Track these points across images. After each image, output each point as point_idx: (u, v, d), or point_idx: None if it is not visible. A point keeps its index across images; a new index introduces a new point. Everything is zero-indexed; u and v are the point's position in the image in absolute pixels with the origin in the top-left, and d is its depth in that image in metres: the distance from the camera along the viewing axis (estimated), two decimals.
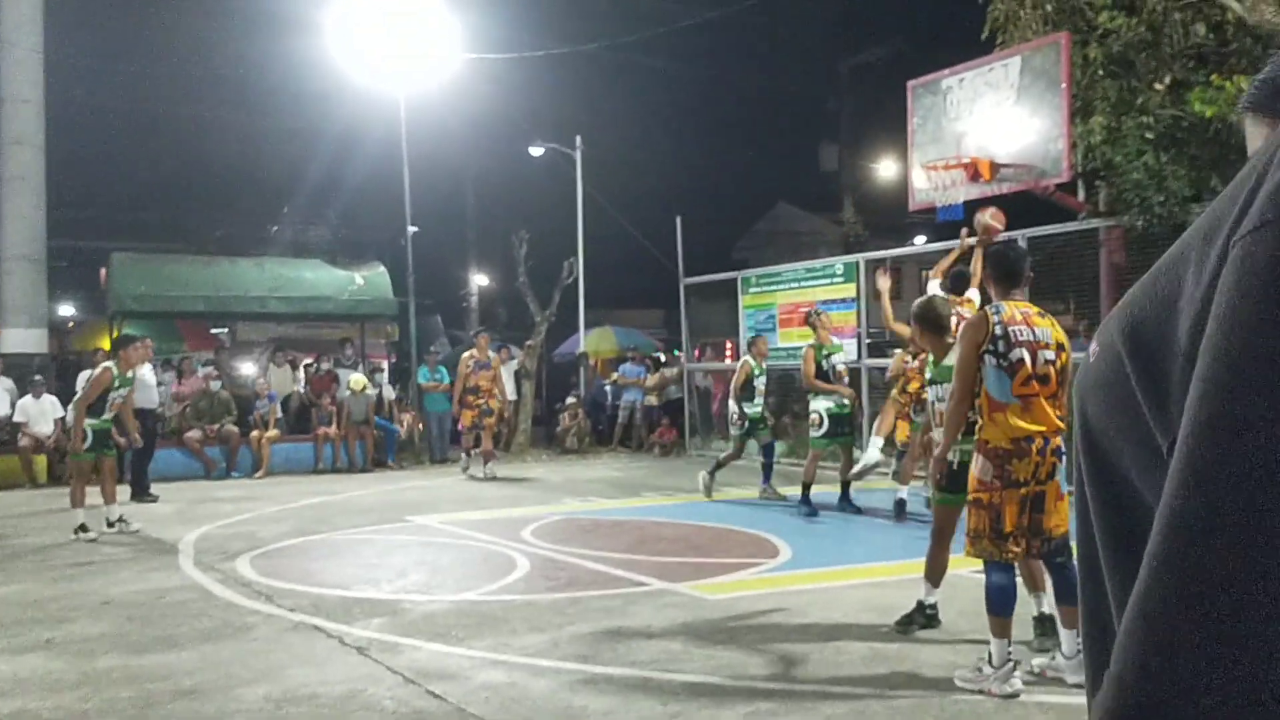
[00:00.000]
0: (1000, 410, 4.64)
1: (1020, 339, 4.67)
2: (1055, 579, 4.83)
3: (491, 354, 13.96)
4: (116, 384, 9.31)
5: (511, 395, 16.83)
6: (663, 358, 20.04)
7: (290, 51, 19.64)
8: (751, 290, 15.54)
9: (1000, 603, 4.63)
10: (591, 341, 21.76)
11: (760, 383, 11.06)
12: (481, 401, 13.40)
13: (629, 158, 25.90)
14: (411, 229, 17.20)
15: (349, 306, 16.80)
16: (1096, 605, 0.66)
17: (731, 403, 11.15)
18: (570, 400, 18.06)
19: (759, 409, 11.07)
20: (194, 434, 14.17)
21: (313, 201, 23.15)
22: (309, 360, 16.69)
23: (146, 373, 12.15)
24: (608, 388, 18.92)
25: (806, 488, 9.79)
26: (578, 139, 20.44)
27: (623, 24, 26.49)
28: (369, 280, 16.94)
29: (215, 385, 14.67)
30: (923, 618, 5.59)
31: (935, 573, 5.55)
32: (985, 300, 6.04)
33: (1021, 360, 4.66)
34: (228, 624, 5.97)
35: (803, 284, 14.68)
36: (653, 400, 17.79)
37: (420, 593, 6.77)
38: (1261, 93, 0.65)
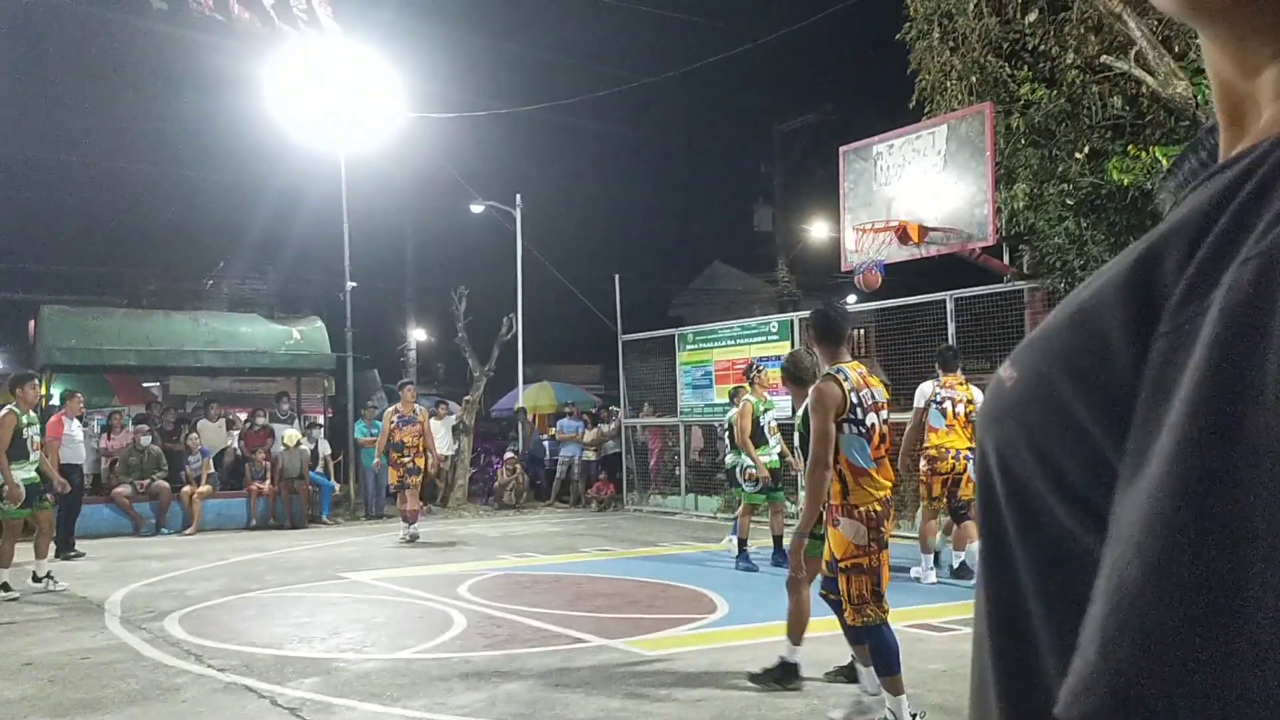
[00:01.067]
0: (865, 475, 4.80)
1: (867, 404, 4.85)
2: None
3: (419, 408, 12.97)
4: (24, 422, 9.17)
5: (449, 450, 16.74)
6: (598, 412, 20.12)
7: (229, 107, 19.63)
8: (688, 347, 15.72)
9: (893, 660, 4.71)
10: (530, 397, 21.77)
11: (769, 420, 10.03)
12: (407, 460, 12.51)
13: (568, 216, 26.17)
14: (350, 284, 17.17)
15: (285, 361, 16.65)
16: (1016, 652, 0.62)
17: (743, 455, 9.74)
18: (508, 455, 18.02)
19: (776, 456, 9.95)
20: (123, 489, 13.88)
21: (251, 256, 23.01)
22: (244, 415, 16.48)
23: (74, 429, 11.96)
24: (545, 443, 18.92)
25: (742, 543, 9.88)
26: (517, 197, 20.63)
27: (563, 86, 26.88)
28: (306, 335, 16.83)
29: (145, 440, 14.41)
30: (781, 674, 5.59)
31: (796, 627, 5.59)
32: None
33: (874, 425, 4.86)
34: (155, 685, 5.86)
35: (738, 341, 14.90)
36: (590, 455, 17.81)
37: (354, 651, 6.70)
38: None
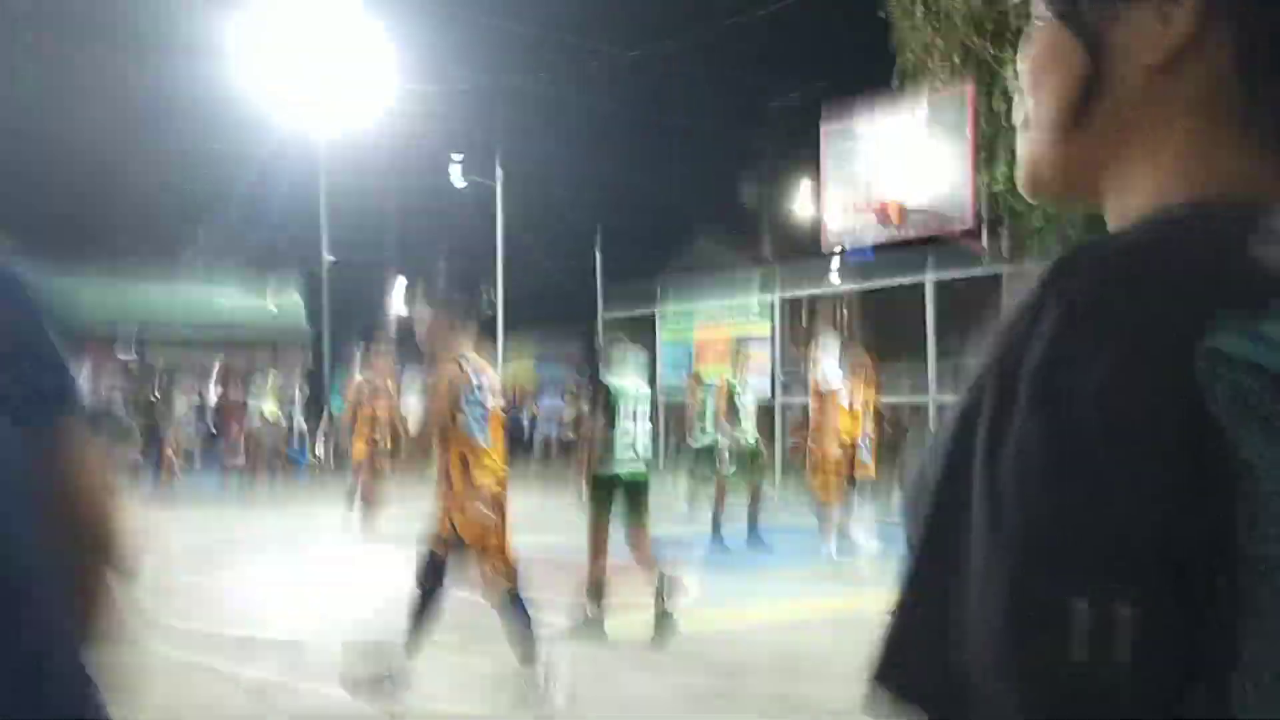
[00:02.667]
0: (487, 454, 4.90)
1: (486, 386, 4.95)
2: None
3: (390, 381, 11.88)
4: None
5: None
6: (580, 389, 20.07)
7: (208, 75, 19.34)
8: (669, 324, 15.68)
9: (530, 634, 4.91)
10: (510, 373, 21.70)
11: (745, 402, 9.82)
12: (379, 438, 11.36)
13: (550, 190, 25.99)
14: (329, 258, 17.04)
15: (262, 333, 16.53)
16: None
17: (720, 435, 9.77)
18: None
19: (753, 438, 9.89)
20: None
21: (229, 228, 22.74)
22: (218, 388, 16.37)
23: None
24: (526, 420, 18.88)
25: (717, 522, 9.85)
26: (498, 170, 20.47)
27: (545, 59, 26.67)
28: (283, 308, 16.73)
29: (118, 410, 14.29)
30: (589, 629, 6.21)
31: (594, 587, 6.26)
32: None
33: (493, 407, 4.98)
34: None
35: (719, 320, 14.87)
36: (571, 433, 17.77)
37: (322, 632, 6.64)
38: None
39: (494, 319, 18.96)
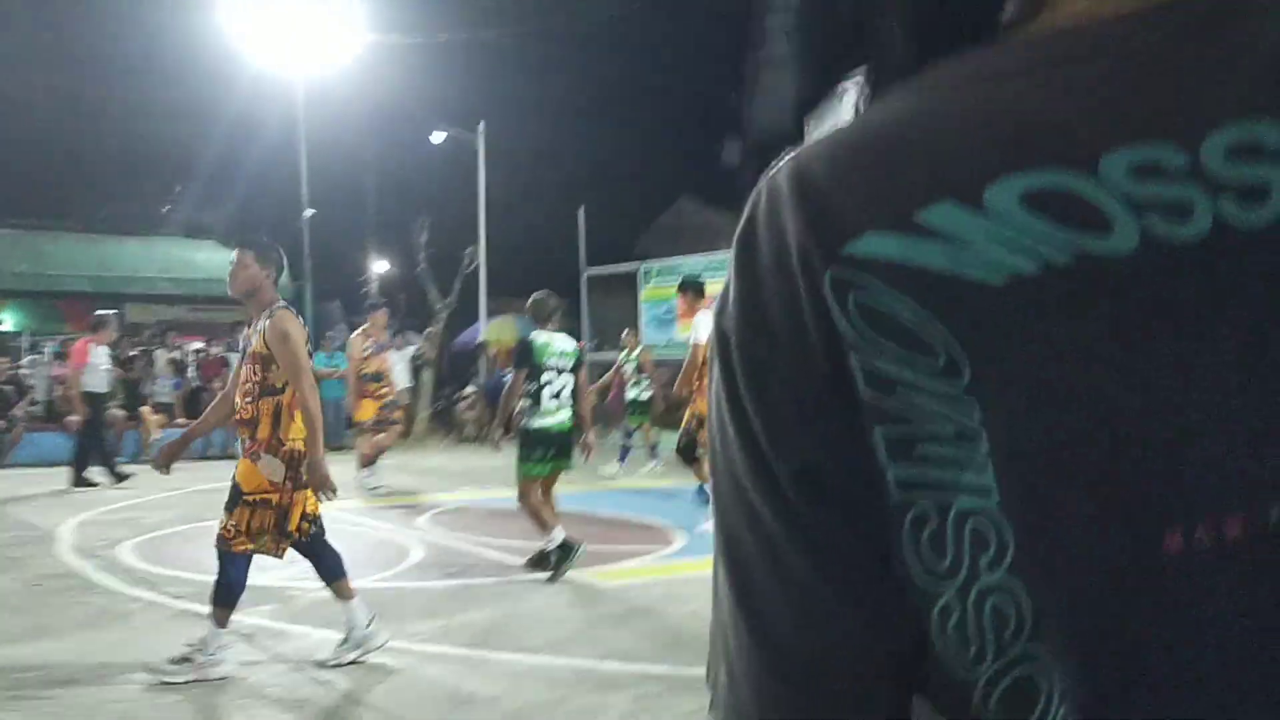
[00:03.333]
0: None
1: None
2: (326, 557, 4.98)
3: (413, 336, 12.28)
4: None
5: (406, 383, 16.65)
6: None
7: (184, 27, 19.03)
8: (652, 282, 15.66)
9: (235, 597, 4.74)
10: (493, 331, 21.65)
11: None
12: (386, 391, 11.22)
13: (532, 147, 25.77)
14: (309, 212, 16.88)
15: None
16: None
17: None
18: (470, 390, 17.96)
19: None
20: (75, 417, 13.67)
21: (206, 182, 22.48)
22: (199, 345, 16.26)
23: (101, 356, 11.82)
24: (506, 379, 18.86)
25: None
26: (480, 125, 20.29)
27: (526, 12, 26.34)
28: None
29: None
30: (558, 555, 6.56)
31: (542, 524, 6.65)
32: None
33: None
34: (107, 612, 5.82)
35: (702, 277, 14.83)
36: None
37: (310, 579, 6.64)
38: None
39: (476, 275, 18.86)
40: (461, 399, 17.99)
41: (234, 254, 4.92)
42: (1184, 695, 0.49)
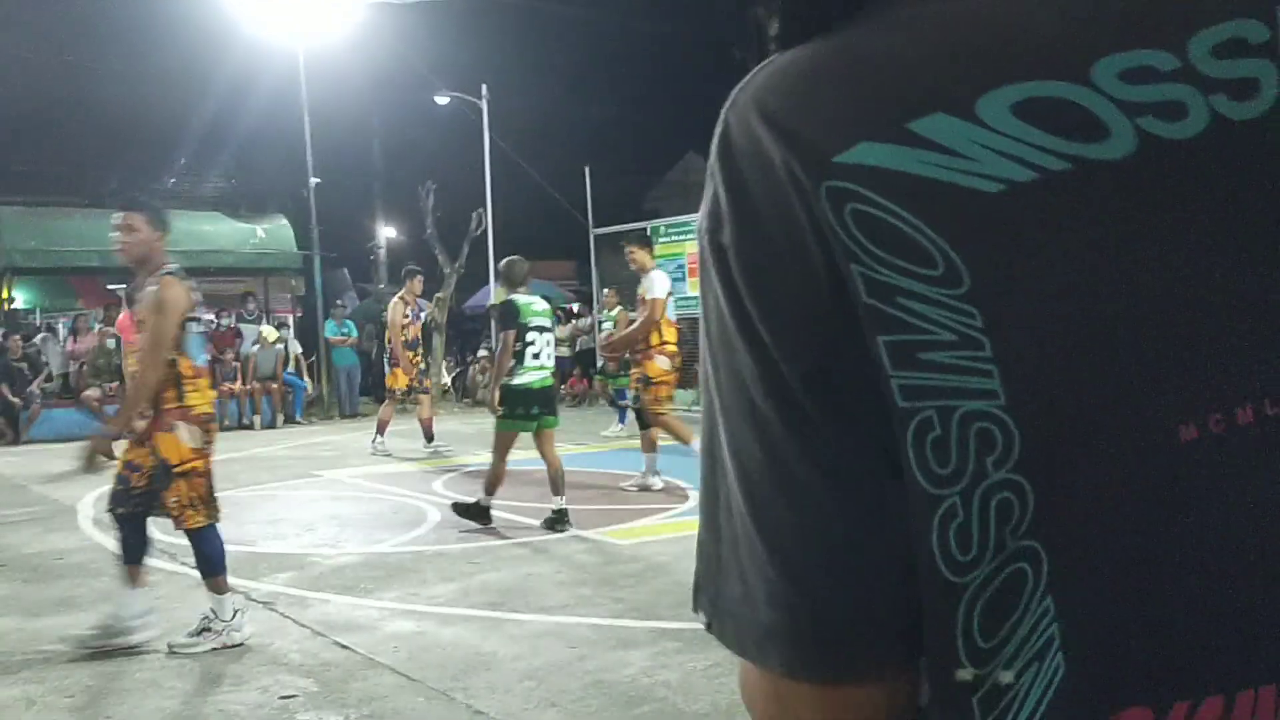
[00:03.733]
0: (201, 376, 4.75)
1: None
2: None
3: (422, 303, 11.78)
4: None
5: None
6: (575, 308, 20.03)
7: None
8: (661, 240, 15.58)
9: (221, 560, 4.74)
10: (501, 294, 21.63)
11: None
12: (420, 360, 11.13)
13: (536, 107, 25.61)
14: (314, 180, 16.82)
15: (250, 260, 16.43)
16: None
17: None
18: (482, 353, 17.98)
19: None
20: (92, 392, 13.77)
21: (210, 152, 22.40)
22: (210, 315, 16.29)
23: None
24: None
25: None
26: (483, 88, 20.13)
27: None
28: (270, 233, 16.59)
29: (111, 342, 14.24)
30: (478, 512, 6.98)
31: (492, 485, 6.98)
32: None
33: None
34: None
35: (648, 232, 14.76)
36: (564, 351, 17.79)
37: (329, 546, 6.74)
38: None
39: (484, 238, 18.82)
40: (474, 361, 18.02)
41: (119, 217, 4.71)
42: (1192, 575, 0.50)
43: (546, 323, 7.22)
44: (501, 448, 7.04)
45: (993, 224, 0.51)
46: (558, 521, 6.95)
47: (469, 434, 13.03)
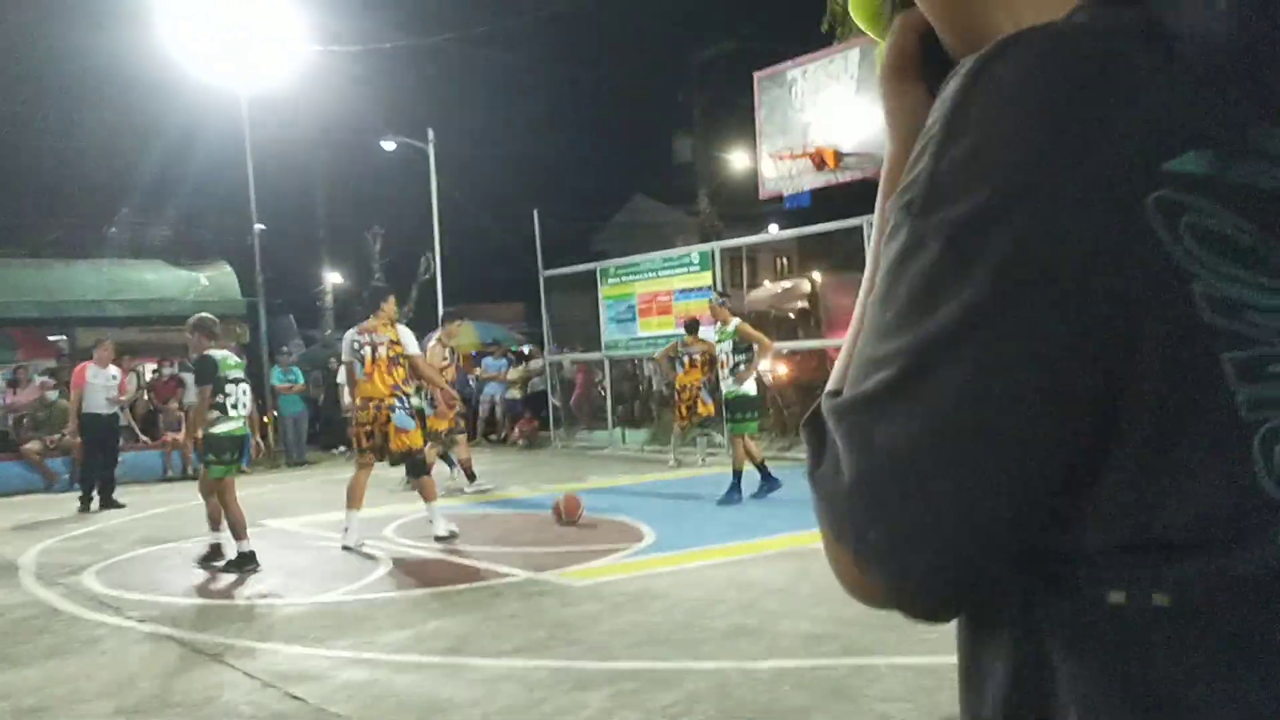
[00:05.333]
0: None
1: None
2: None
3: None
4: None
5: None
6: (527, 350, 19.99)
7: (123, 42, 18.75)
8: (610, 281, 15.64)
9: None
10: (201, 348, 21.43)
11: (723, 349, 10.01)
12: (456, 403, 11.01)
13: (483, 152, 25.70)
14: (258, 227, 16.69)
15: (194, 308, 16.10)
16: None
17: (745, 385, 9.70)
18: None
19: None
20: (33, 445, 13.47)
21: (152, 200, 22.15)
22: (153, 365, 16.05)
23: (101, 377, 11.67)
24: (471, 382, 18.78)
25: (744, 473, 9.45)
26: (429, 133, 20.18)
27: (471, 17, 26.24)
28: (214, 280, 16.40)
29: (53, 395, 13.96)
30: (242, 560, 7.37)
31: (238, 528, 7.47)
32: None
33: None
34: (73, 639, 5.73)
35: (660, 274, 14.86)
36: (515, 393, 17.72)
37: (278, 596, 6.62)
38: None
39: (433, 282, 18.76)
40: None
41: None
42: None
43: (241, 374, 7.83)
44: (222, 492, 7.55)
45: None
46: (214, 556, 7.61)
47: None
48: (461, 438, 11.40)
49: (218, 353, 7.66)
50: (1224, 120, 0.52)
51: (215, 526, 7.67)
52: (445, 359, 11.00)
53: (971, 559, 0.57)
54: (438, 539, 8.12)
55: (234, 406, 7.61)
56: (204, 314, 8.01)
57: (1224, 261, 0.52)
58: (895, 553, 0.57)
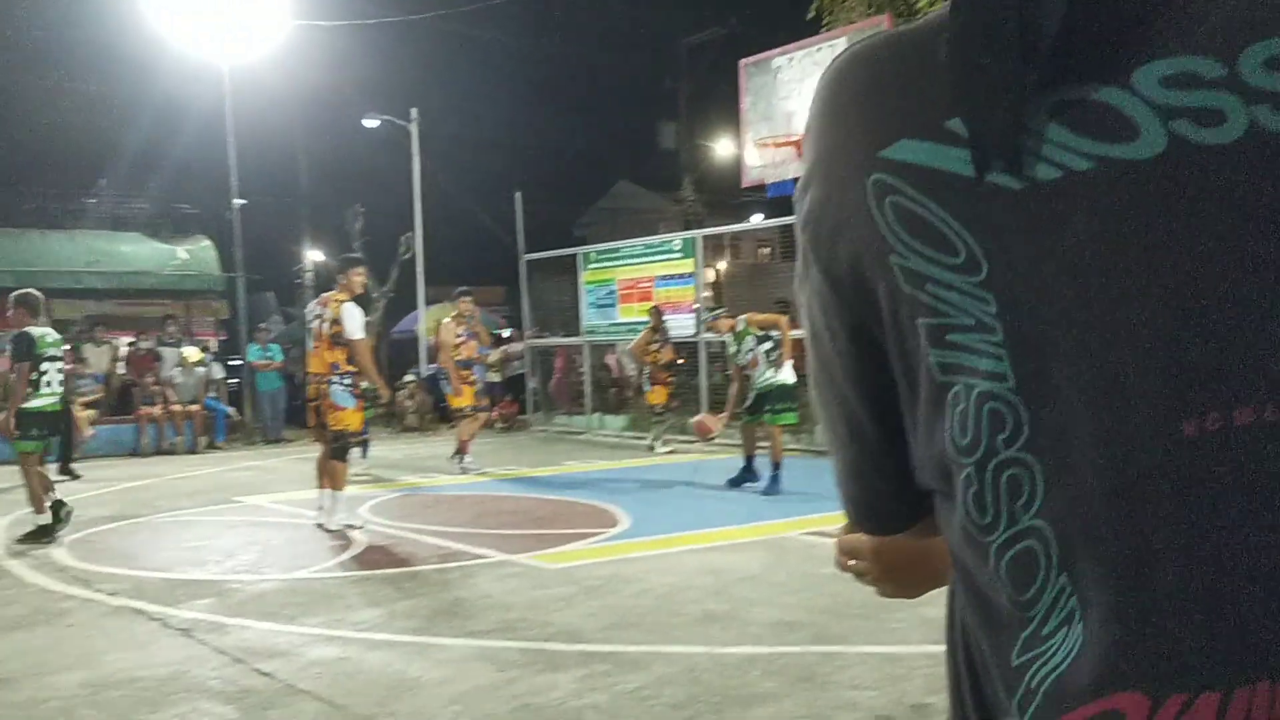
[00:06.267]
0: None
1: None
2: None
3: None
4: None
5: None
6: (506, 334, 19.92)
7: (104, 11, 18.52)
8: (591, 266, 15.61)
9: None
10: (431, 318, 21.46)
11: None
12: (476, 380, 11.19)
13: (467, 133, 25.58)
14: (239, 202, 16.54)
15: (172, 282, 16.08)
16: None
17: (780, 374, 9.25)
18: (409, 378, 17.80)
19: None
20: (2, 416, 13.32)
21: (132, 172, 21.89)
22: (130, 339, 15.89)
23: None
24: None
25: (776, 465, 9.21)
26: (413, 111, 20.03)
27: None
28: (193, 254, 16.27)
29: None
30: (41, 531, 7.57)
31: (38, 501, 7.62)
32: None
33: None
34: (41, 611, 5.68)
35: (642, 260, 14.84)
36: (494, 376, 17.67)
37: (249, 572, 6.59)
38: None
39: (413, 263, 18.67)
40: (401, 387, 17.80)
41: None
42: (1187, 559, 0.53)
43: (58, 353, 7.96)
44: (25, 465, 7.72)
45: (1012, 218, 0.55)
46: (45, 533, 7.63)
47: (395, 459, 12.89)
48: (481, 415, 11.41)
49: (36, 330, 7.77)
50: (929, 111, 0.59)
51: (40, 509, 7.71)
52: (460, 336, 10.96)
53: (871, 497, 0.73)
54: (325, 529, 7.77)
55: (48, 384, 7.77)
56: (28, 290, 8.05)
57: (914, 239, 0.58)
58: (838, 490, 0.76)
